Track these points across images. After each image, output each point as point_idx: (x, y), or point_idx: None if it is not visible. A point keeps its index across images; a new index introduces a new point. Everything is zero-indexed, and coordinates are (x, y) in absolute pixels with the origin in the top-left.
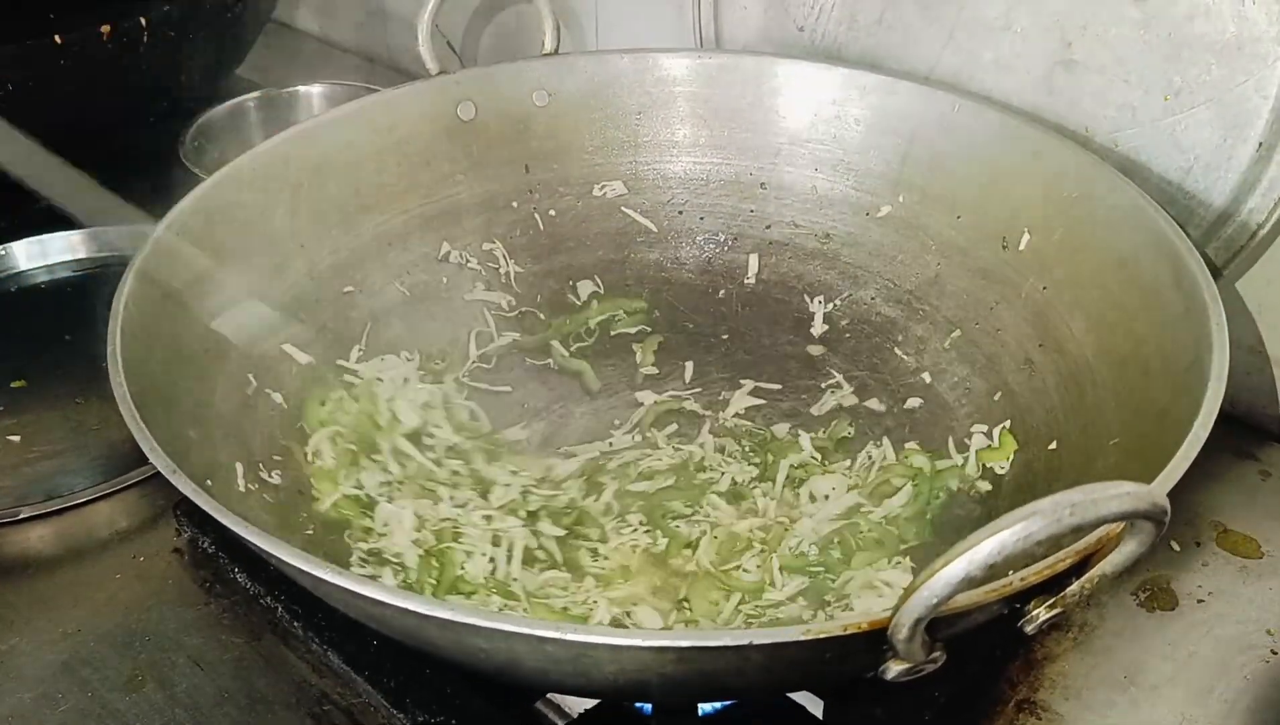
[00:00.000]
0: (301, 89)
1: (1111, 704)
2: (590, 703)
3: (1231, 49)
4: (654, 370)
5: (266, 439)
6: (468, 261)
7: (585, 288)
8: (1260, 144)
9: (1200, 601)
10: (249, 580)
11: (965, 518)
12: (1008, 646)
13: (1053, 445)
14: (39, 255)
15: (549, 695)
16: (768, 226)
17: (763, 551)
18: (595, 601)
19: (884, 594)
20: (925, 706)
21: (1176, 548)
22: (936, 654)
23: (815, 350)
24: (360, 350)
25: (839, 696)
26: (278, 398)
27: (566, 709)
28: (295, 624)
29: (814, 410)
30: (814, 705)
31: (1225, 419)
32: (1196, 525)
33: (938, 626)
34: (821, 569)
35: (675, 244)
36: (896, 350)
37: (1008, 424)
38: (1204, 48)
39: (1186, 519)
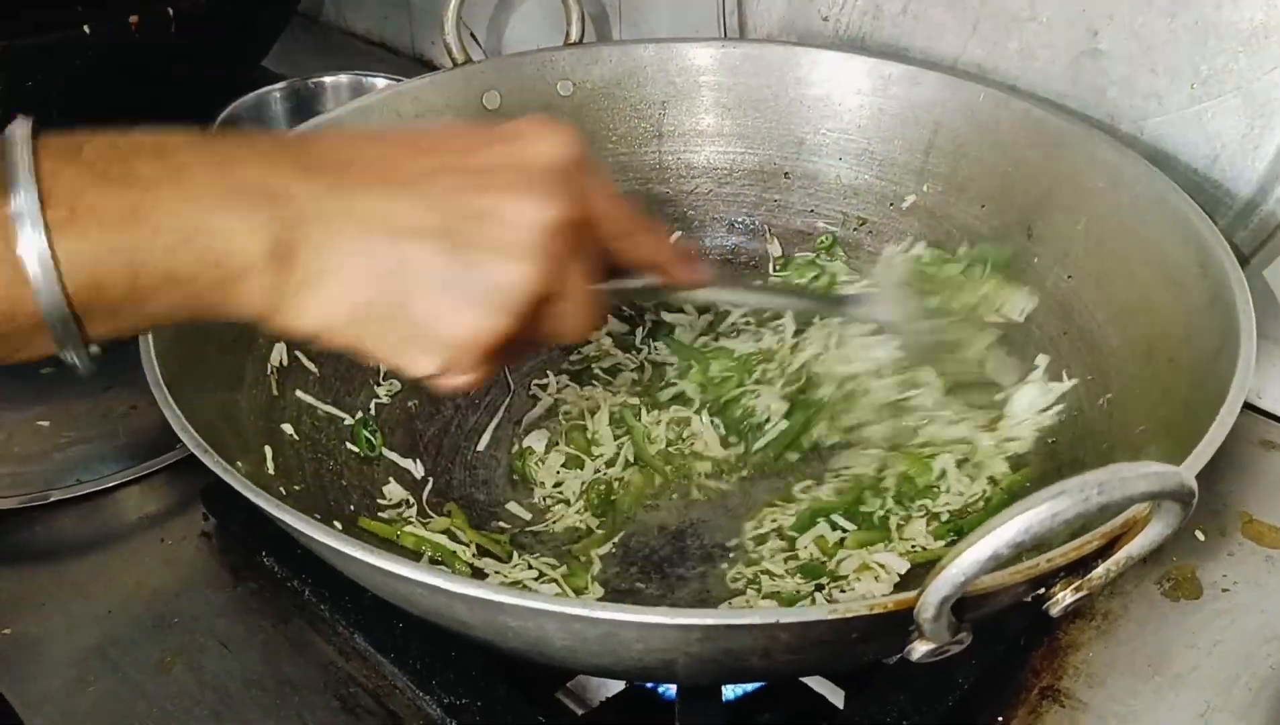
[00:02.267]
0: (328, 79)
1: (1135, 693)
2: (614, 690)
3: (1259, 36)
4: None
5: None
6: None
7: None
8: None
9: (1225, 591)
10: (276, 564)
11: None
12: (1031, 634)
13: (1077, 433)
14: None
15: (569, 685)
16: (792, 216)
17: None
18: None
19: (880, 578)
20: (948, 692)
21: (1201, 537)
22: (962, 635)
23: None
24: None
25: (861, 682)
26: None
27: (588, 699)
28: (322, 607)
29: None
30: (836, 696)
31: (1250, 409)
32: (1222, 515)
33: (964, 607)
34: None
35: (699, 233)
36: None
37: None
38: (1231, 35)
39: (1212, 509)
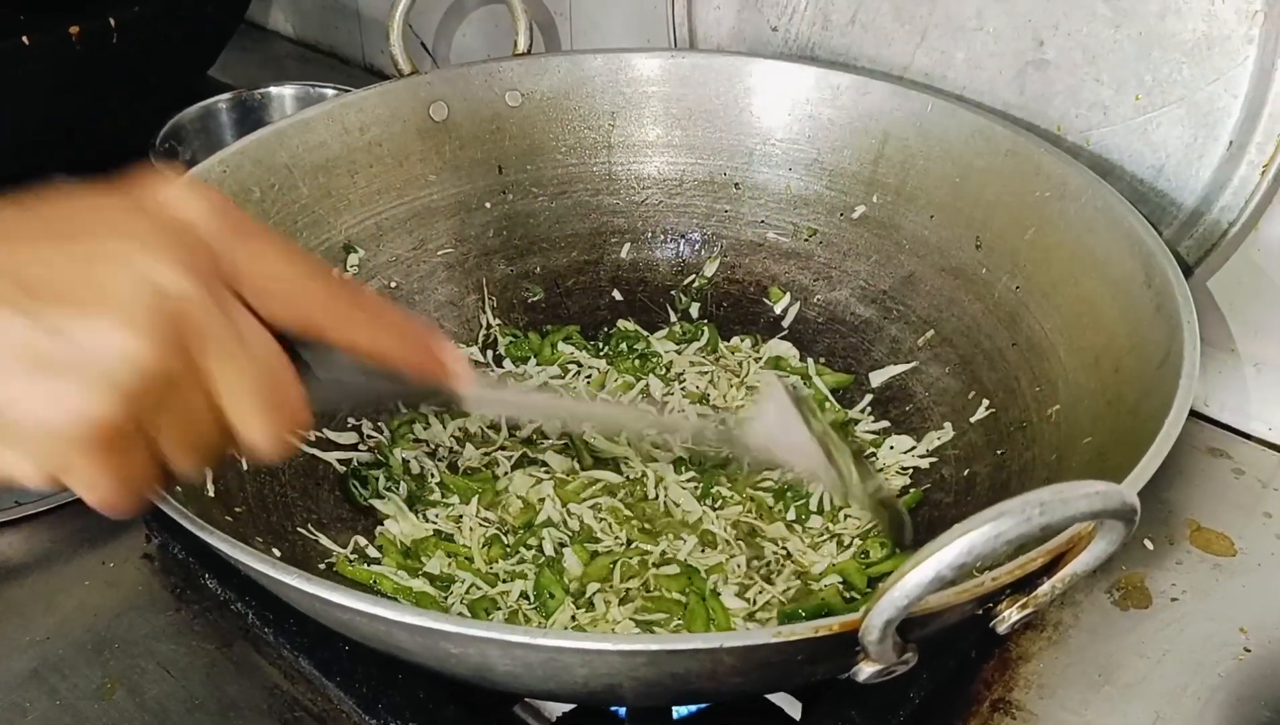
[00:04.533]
0: (274, 90)
1: (1086, 703)
2: (567, 707)
3: (1202, 47)
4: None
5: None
6: (440, 263)
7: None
8: (1231, 143)
9: (1174, 599)
10: (219, 586)
11: (937, 518)
12: (982, 647)
13: (1025, 444)
14: None
15: (526, 700)
16: (742, 227)
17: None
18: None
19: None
20: (900, 707)
21: (1150, 546)
22: (908, 655)
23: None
24: None
25: (813, 698)
26: None
27: (546, 713)
28: (266, 630)
29: None
30: (793, 707)
31: (1197, 417)
32: (1170, 523)
33: (909, 627)
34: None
35: (649, 245)
36: (871, 350)
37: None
38: (1175, 46)
39: (1160, 517)
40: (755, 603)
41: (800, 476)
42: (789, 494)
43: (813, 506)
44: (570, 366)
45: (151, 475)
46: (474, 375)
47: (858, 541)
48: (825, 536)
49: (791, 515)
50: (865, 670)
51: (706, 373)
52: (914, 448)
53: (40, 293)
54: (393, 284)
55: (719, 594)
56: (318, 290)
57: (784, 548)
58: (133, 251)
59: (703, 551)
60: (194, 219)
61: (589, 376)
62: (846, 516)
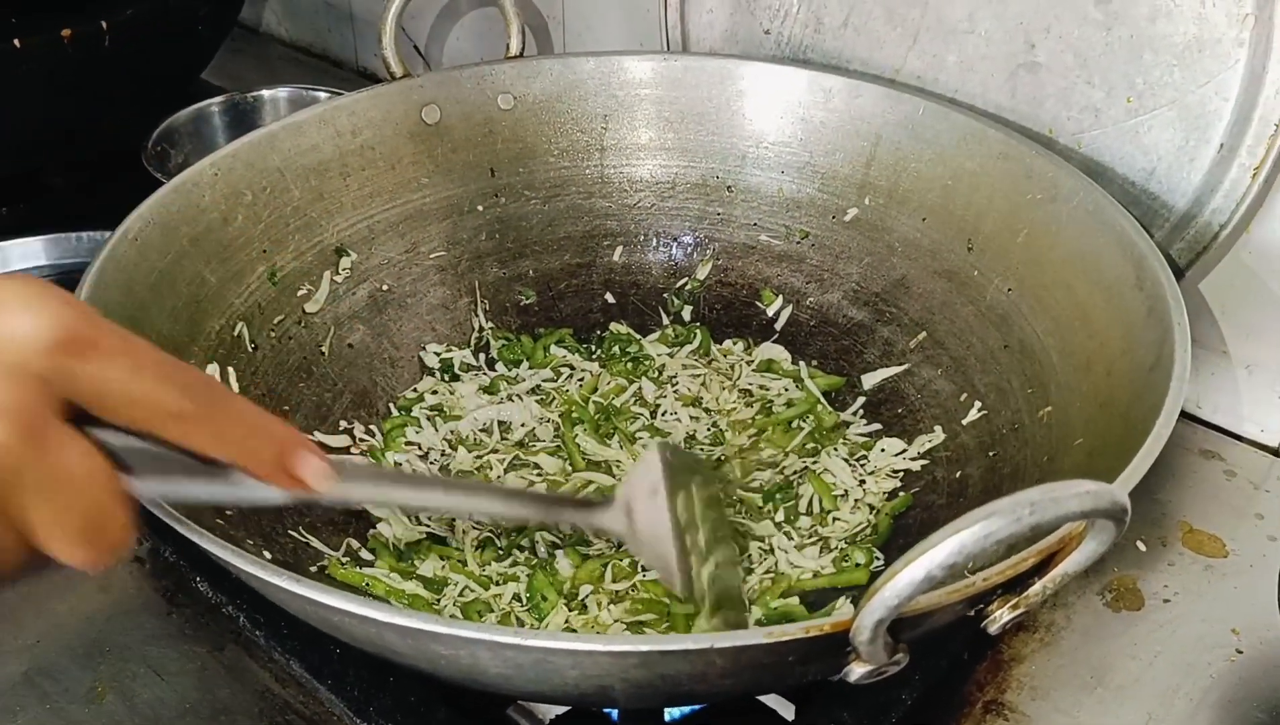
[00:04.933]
0: (266, 93)
1: (1079, 704)
2: (561, 709)
3: (1193, 50)
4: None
5: None
6: (433, 266)
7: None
8: (1222, 145)
9: (1166, 601)
10: (211, 589)
11: (929, 520)
12: (975, 648)
13: (1017, 446)
14: None
15: (519, 702)
16: (734, 229)
17: None
18: None
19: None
20: (893, 708)
21: (1142, 547)
22: (899, 656)
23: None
24: (324, 354)
25: (805, 700)
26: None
27: (539, 715)
28: (258, 633)
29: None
30: (785, 709)
31: (1189, 419)
32: (1162, 525)
33: (900, 628)
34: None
35: (642, 248)
36: (863, 352)
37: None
38: (1166, 49)
39: (1152, 519)
40: None
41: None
42: (778, 496)
43: (801, 508)
44: (563, 369)
45: None
46: (329, 478)
47: (842, 545)
48: (813, 539)
49: (780, 516)
50: (856, 671)
51: (699, 376)
52: (904, 451)
53: None
54: (385, 287)
55: None
56: (162, 396)
57: (769, 544)
58: None
59: None
60: (21, 334)
61: (582, 380)
62: (835, 519)
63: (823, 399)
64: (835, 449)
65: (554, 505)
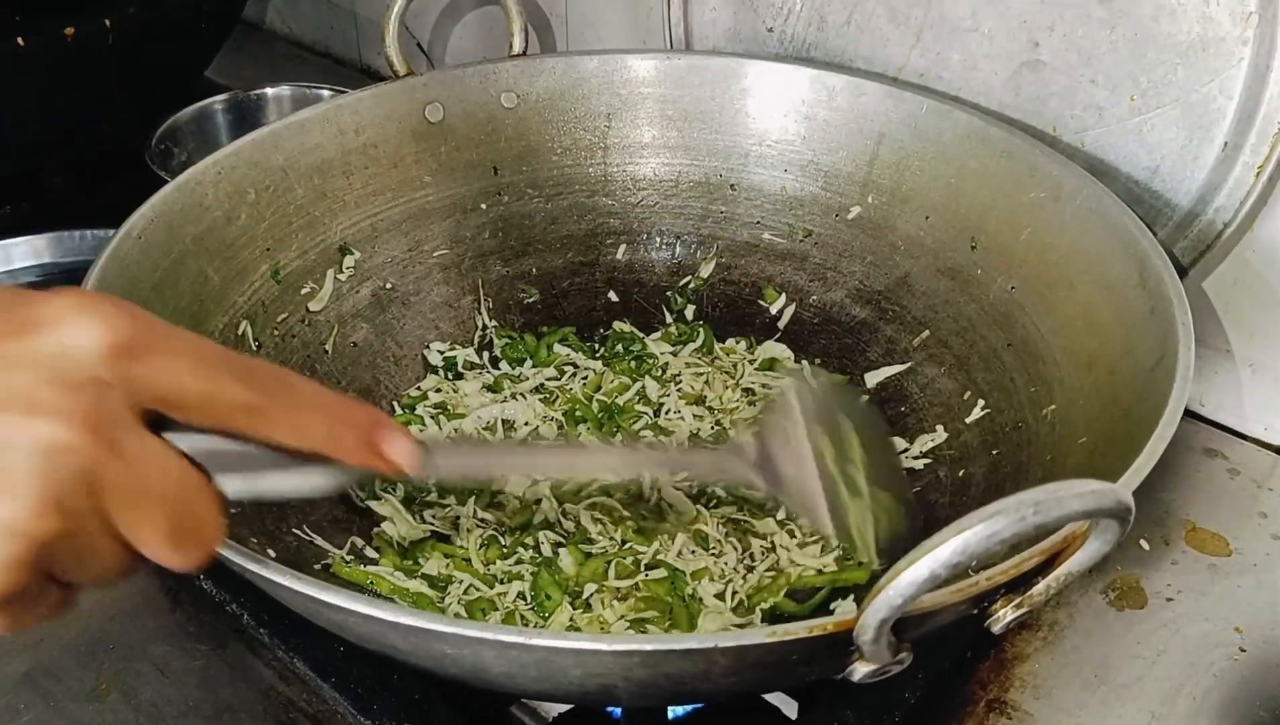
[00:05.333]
0: (270, 91)
1: (1081, 703)
2: (564, 707)
3: (1197, 49)
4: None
5: None
6: (436, 265)
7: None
8: (1225, 144)
9: (1169, 600)
10: (214, 587)
11: (932, 519)
12: (978, 647)
13: (1020, 444)
14: (2, 261)
15: (522, 700)
16: (738, 228)
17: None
18: None
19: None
20: (896, 707)
21: (1146, 546)
22: (903, 655)
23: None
24: (328, 353)
25: (809, 698)
26: None
27: (542, 713)
28: (261, 631)
29: None
30: (789, 707)
31: (1193, 417)
32: (1166, 524)
33: (903, 627)
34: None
35: (645, 246)
36: (866, 351)
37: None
38: (1169, 48)
39: (1156, 518)
40: (729, 600)
41: (792, 511)
42: None
43: None
44: (566, 368)
45: (61, 603)
46: (420, 456)
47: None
48: (814, 537)
49: (782, 513)
50: (860, 670)
51: (702, 374)
52: (906, 450)
53: None
54: (388, 285)
55: (700, 598)
56: (231, 391)
57: (770, 542)
58: (13, 418)
59: (693, 552)
60: (82, 344)
61: (585, 378)
62: None
63: None
64: None
65: (670, 460)
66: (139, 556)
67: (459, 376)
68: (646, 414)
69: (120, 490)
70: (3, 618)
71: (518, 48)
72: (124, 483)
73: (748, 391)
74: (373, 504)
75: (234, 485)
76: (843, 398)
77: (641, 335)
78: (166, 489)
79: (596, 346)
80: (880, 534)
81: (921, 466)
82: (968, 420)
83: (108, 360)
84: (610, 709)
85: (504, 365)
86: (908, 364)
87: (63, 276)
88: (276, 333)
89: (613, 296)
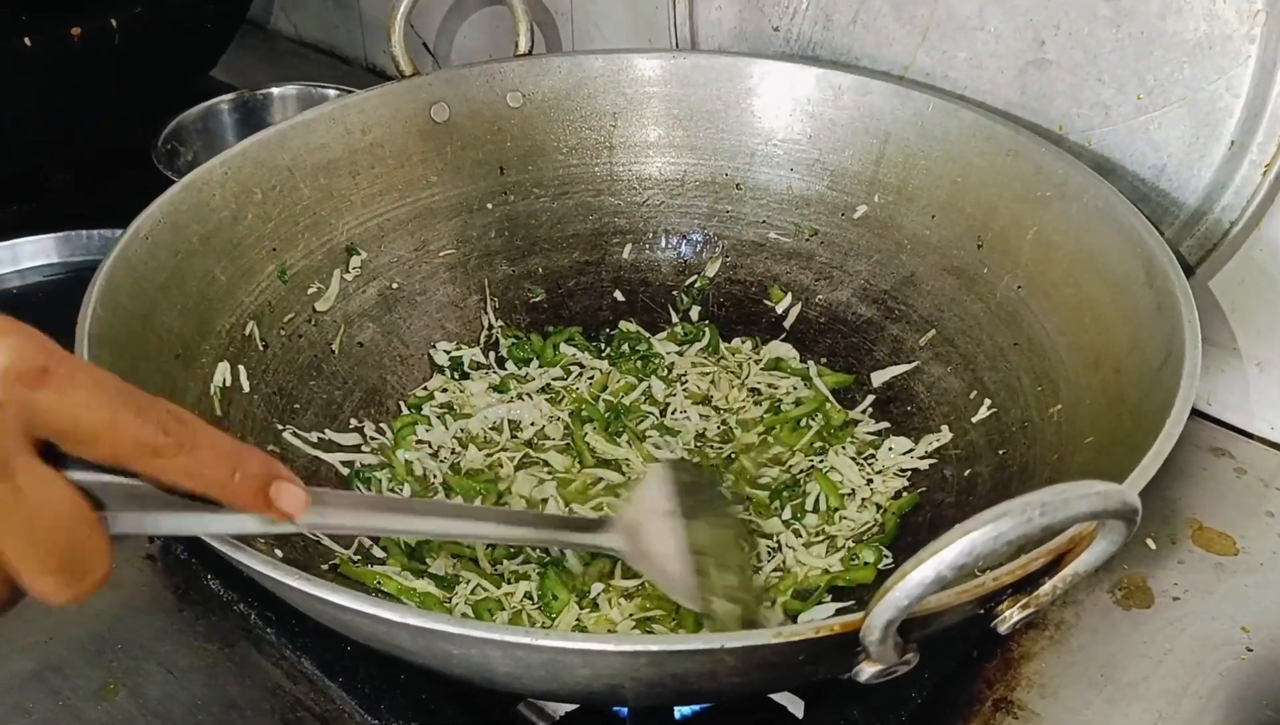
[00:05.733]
0: (276, 90)
1: (1088, 702)
2: (570, 706)
3: (1203, 47)
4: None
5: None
6: (442, 264)
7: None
8: (1233, 142)
9: (1176, 599)
10: (222, 586)
11: (939, 519)
12: (984, 646)
13: (1027, 443)
14: (10, 261)
15: (529, 699)
16: (744, 227)
17: None
18: None
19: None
20: (902, 706)
21: (1152, 545)
22: (909, 655)
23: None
24: (334, 353)
25: (816, 697)
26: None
27: (549, 712)
28: (268, 630)
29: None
30: (795, 706)
31: (1199, 417)
32: (1172, 523)
33: (910, 628)
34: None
35: (651, 245)
36: (872, 350)
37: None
38: (1176, 46)
39: (1162, 516)
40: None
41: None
42: (784, 493)
43: (808, 506)
44: (572, 367)
45: None
46: (308, 506)
47: (850, 544)
48: (820, 537)
49: (788, 514)
50: (866, 670)
51: (708, 373)
52: (912, 450)
53: None
54: (394, 285)
55: None
56: (129, 427)
57: (777, 541)
58: None
59: None
60: None
61: (591, 378)
62: (842, 518)
63: (831, 397)
64: (843, 448)
65: (550, 527)
66: (16, 589)
67: (465, 376)
68: (653, 414)
69: (8, 520)
70: None
71: (523, 47)
72: (12, 512)
73: (753, 391)
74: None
75: (127, 523)
76: (710, 491)
77: (647, 335)
78: (56, 522)
79: (602, 346)
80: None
81: (927, 467)
82: (974, 420)
83: (5, 384)
84: (617, 709)
85: (510, 365)
86: (914, 363)
87: (70, 276)
88: (283, 333)
89: (619, 296)
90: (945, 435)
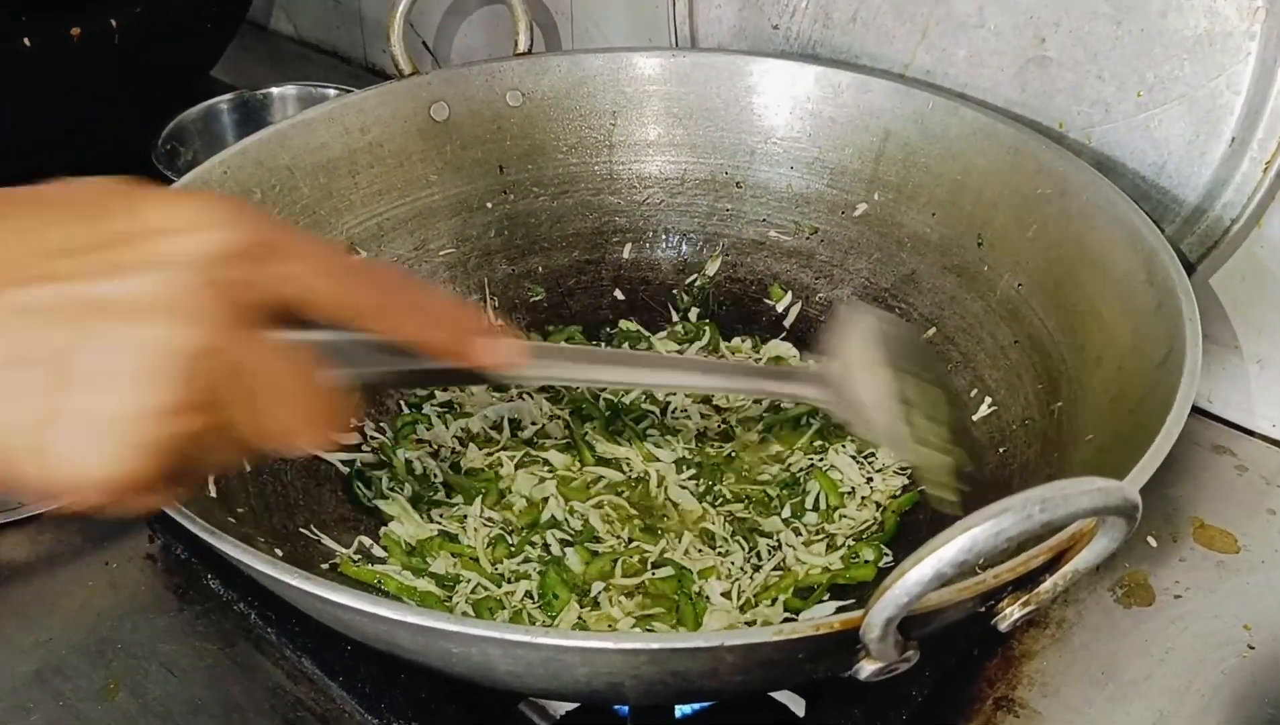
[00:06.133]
0: (275, 90)
1: (1089, 701)
2: (571, 705)
3: (1203, 44)
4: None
5: None
6: (442, 264)
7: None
8: (1233, 139)
9: (1177, 597)
10: (222, 587)
11: (939, 517)
12: (985, 645)
13: (1028, 441)
14: None
15: (530, 698)
16: (744, 225)
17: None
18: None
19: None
20: (903, 705)
21: (1154, 543)
22: (910, 653)
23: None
24: None
25: (816, 695)
26: None
27: (550, 711)
28: (269, 630)
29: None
30: (796, 705)
31: (1200, 414)
32: (1174, 521)
33: (910, 625)
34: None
35: (651, 244)
36: None
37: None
38: (1176, 43)
39: (1164, 514)
40: (735, 598)
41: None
42: (784, 492)
43: (808, 504)
44: None
45: (192, 484)
46: (518, 356)
47: (850, 542)
48: (820, 536)
49: (787, 512)
50: (867, 668)
51: None
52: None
53: (72, 355)
54: None
55: (706, 597)
56: (353, 289)
57: (777, 540)
58: (153, 316)
59: (700, 551)
60: (215, 247)
61: None
62: (841, 516)
63: None
64: (843, 446)
65: (749, 376)
66: (259, 448)
67: None
68: (653, 413)
69: (253, 384)
70: (151, 493)
71: (523, 46)
72: (256, 378)
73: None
74: (380, 503)
75: (352, 373)
76: (910, 340)
77: (648, 334)
78: (293, 382)
79: (602, 346)
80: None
81: None
82: (975, 418)
83: (235, 260)
84: (617, 708)
85: None
86: None
87: None
88: None
89: (619, 295)
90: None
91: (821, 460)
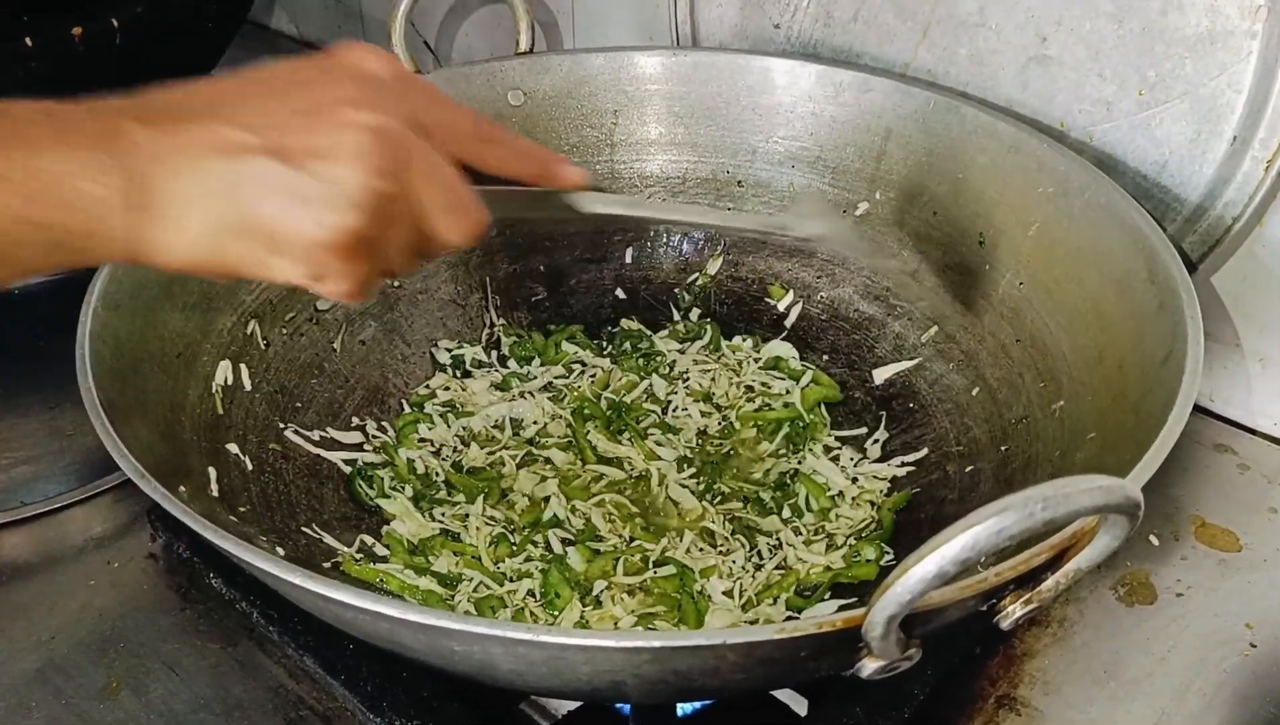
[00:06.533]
0: None
1: (1091, 699)
2: (573, 704)
3: (1205, 42)
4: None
5: (242, 440)
6: (443, 262)
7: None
8: (1234, 138)
9: (1179, 595)
10: (224, 586)
11: (940, 515)
12: (987, 643)
13: (1029, 440)
14: None
15: (532, 697)
16: None
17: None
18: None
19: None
20: (905, 703)
21: (1155, 542)
22: (912, 651)
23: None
24: (336, 351)
25: (819, 694)
26: (257, 398)
27: (552, 710)
28: (271, 629)
29: None
30: (798, 704)
31: (1202, 413)
32: (1175, 519)
33: (912, 623)
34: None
35: (652, 243)
36: (874, 347)
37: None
38: (1177, 41)
39: (1165, 513)
40: (737, 597)
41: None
42: (777, 494)
43: (803, 504)
44: (574, 366)
45: (379, 275)
46: (585, 178)
47: (851, 541)
48: (819, 535)
49: (786, 512)
50: (869, 666)
51: (709, 371)
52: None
53: (288, 141)
54: (396, 283)
55: (708, 595)
56: (471, 129)
57: (777, 539)
58: (346, 104)
59: (701, 549)
60: (381, 69)
61: (593, 376)
62: (838, 516)
63: (804, 413)
64: (811, 450)
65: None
66: (428, 239)
67: (467, 374)
68: (654, 412)
69: (422, 169)
70: (346, 273)
71: (524, 45)
72: (424, 164)
73: (750, 388)
74: (382, 502)
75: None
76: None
77: (649, 333)
78: (449, 175)
79: (604, 344)
80: None
81: (930, 463)
82: (976, 416)
83: (398, 88)
84: (619, 706)
85: (512, 363)
86: (916, 360)
87: (71, 275)
88: (285, 331)
89: (620, 294)
90: (949, 431)
91: (802, 462)
